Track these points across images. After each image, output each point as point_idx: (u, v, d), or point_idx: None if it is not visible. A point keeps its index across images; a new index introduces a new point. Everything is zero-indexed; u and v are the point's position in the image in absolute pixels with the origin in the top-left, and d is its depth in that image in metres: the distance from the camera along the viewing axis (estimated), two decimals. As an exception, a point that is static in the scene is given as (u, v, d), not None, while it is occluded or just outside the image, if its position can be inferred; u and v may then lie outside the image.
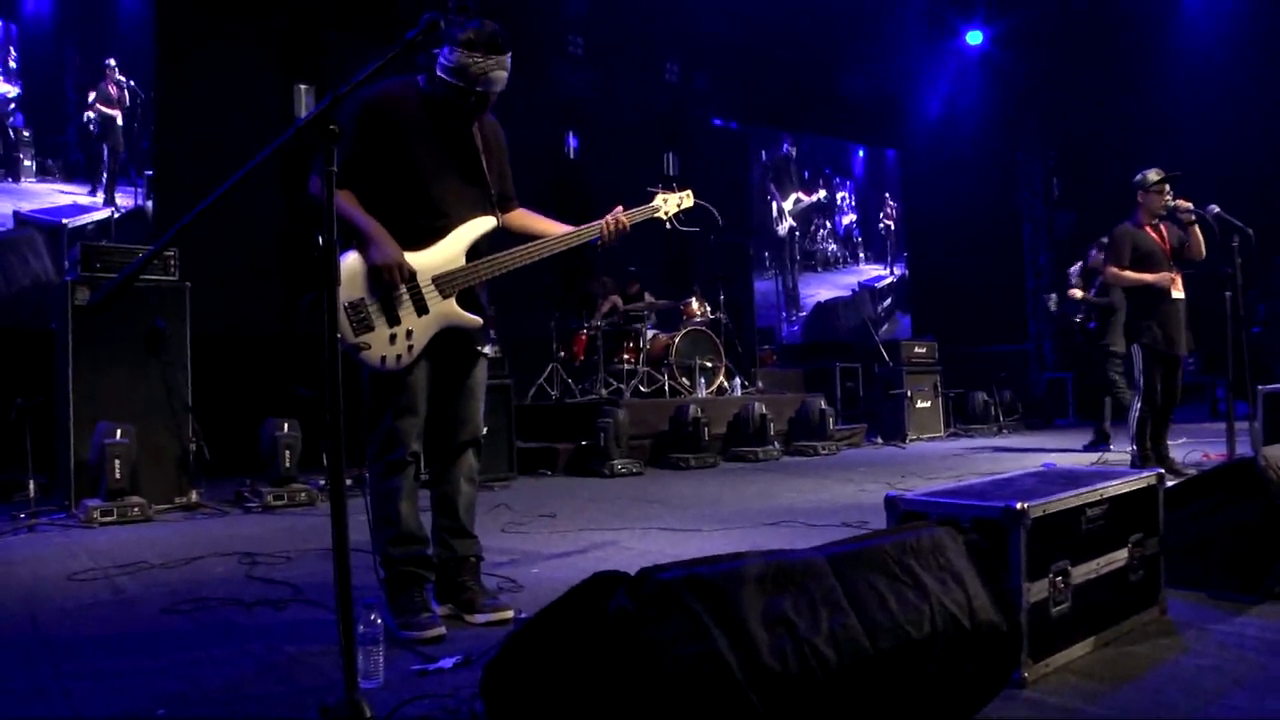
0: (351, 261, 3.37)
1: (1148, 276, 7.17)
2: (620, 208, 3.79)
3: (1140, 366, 7.22)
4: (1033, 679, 2.71)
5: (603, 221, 3.73)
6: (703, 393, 10.76)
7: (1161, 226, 7.36)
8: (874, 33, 15.88)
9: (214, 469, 7.48)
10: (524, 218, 3.83)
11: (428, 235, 3.51)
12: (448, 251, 3.52)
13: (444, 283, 3.50)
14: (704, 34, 14.56)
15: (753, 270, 16.08)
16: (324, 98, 2.46)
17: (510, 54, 3.43)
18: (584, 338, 11.20)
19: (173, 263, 7.20)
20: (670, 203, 4.07)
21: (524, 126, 11.95)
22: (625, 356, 10.93)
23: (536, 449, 9.34)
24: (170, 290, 7.16)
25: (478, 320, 3.60)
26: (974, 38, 17.26)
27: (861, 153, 18.23)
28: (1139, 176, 7.38)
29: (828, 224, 17.45)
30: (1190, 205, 7.15)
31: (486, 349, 3.74)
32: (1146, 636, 3.17)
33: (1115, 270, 7.27)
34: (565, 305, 11.79)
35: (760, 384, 12.14)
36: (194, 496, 7.07)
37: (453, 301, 3.52)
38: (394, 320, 3.43)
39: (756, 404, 10.27)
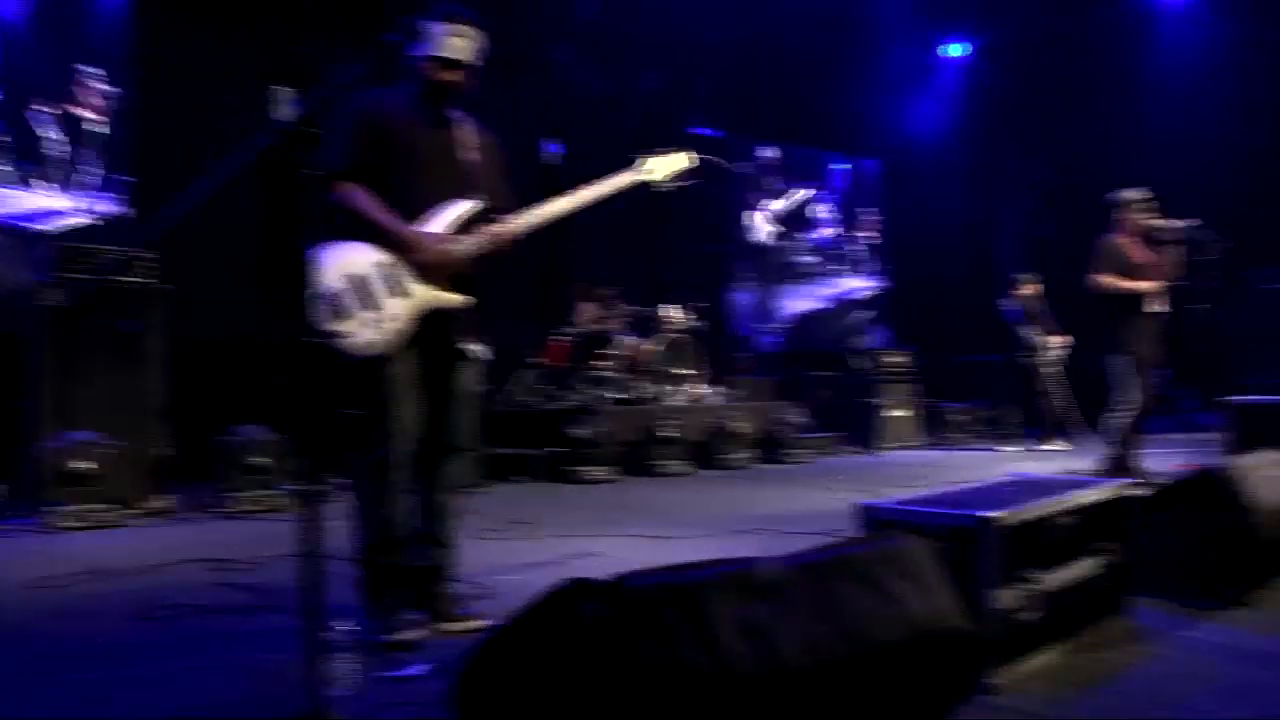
0: (330, 254, 3.36)
1: (1140, 285, 7.16)
2: (499, 224, 3.59)
3: (1122, 376, 7.24)
4: (1002, 685, 2.73)
5: (490, 230, 3.58)
6: (679, 400, 10.76)
7: (1139, 243, 7.39)
8: (856, 44, 15.91)
9: (188, 474, 7.42)
10: None
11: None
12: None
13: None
14: (687, 42, 14.56)
15: (731, 279, 16.08)
16: (304, 101, 2.47)
17: (477, 30, 3.46)
18: (560, 344, 11.18)
19: (151, 266, 7.15)
20: (660, 169, 3.91)
21: (505, 131, 11.90)
22: (601, 363, 10.93)
23: (511, 455, 9.32)
24: (148, 293, 7.10)
25: (460, 298, 3.56)
26: (956, 51, 17.37)
27: (841, 165, 18.24)
28: (1119, 195, 7.40)
29: (807, 236, 17.46)
30: (1171, 225, 7.16)
31: (477, 348, 3.68)
32: (1114, 643, 3.21)
33: (1107, 278, 7.21)
34: (541, 312, 11.77)
35: (737, 392, 12.16)
36: (166, 502, 7.01)
37: (433, 283, 3.51)
38: (373, 306, 3.41)
39: (733, 412, 10.29)
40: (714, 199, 15.78)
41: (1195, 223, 7.05)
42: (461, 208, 3.59)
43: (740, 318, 16.00)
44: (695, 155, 3.96)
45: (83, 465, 6.37)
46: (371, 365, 3.44)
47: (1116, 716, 2.56)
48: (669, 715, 1.77)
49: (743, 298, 16.23)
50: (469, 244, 3.53)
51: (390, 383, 3.47)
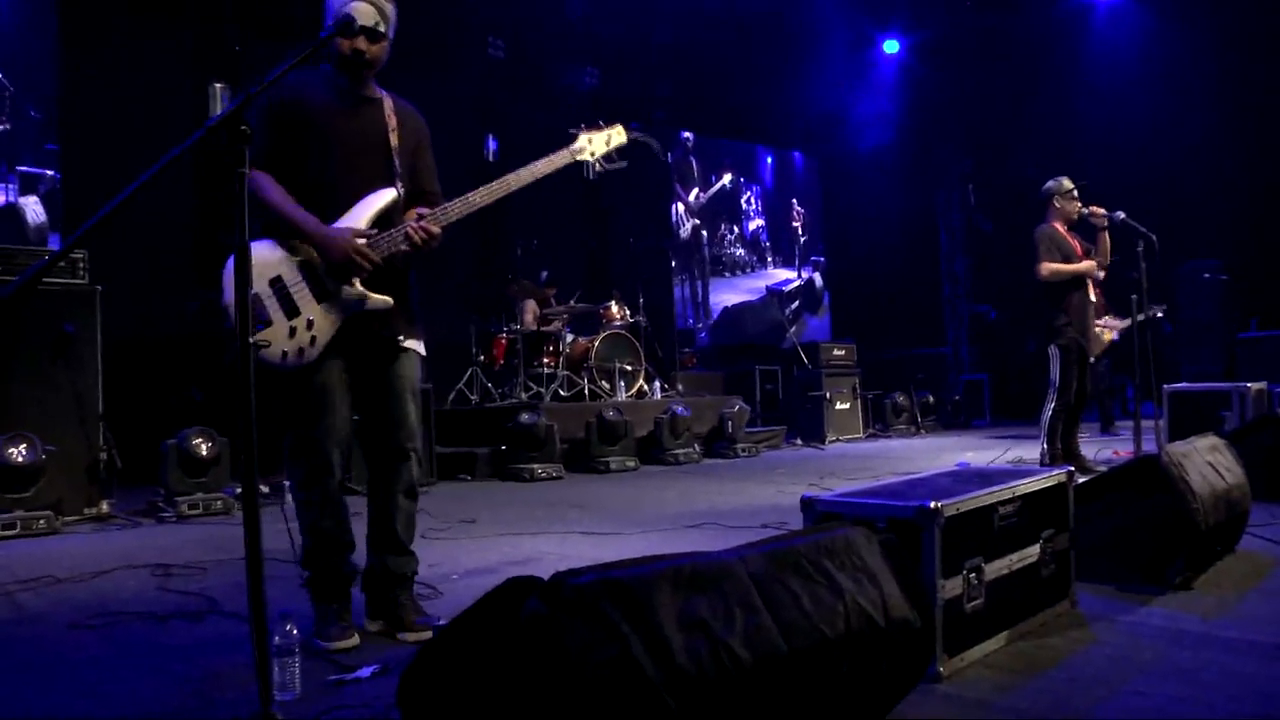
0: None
1: (1081, 266, 7.27)
2: (416, 214, 3.43)
3: (1057, 367, 7.34)
4: (948, 674, 2.75)
5: (407, 228, 3.36)
6: (622, 396, 10.76)
7: (1071, 232, 7.51)
8: (791, 40, 16.00)
9: (127, 478, 7.27)
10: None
11: (328, 218, 3.34)
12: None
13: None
14: (623, 39, 14.58)
15: (670, 274, 16.12)
16: (238, 96, 2.43)
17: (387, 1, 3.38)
18: (503, 342, 11.16)
19: (81, 265, 6.99)
20: (596, 143, 3.74)
21: (444, 129, 11.84)
22: (545, 360, 10.91)
23: (456, 454, 9.27)
24: (79, 293, 6.92)
25: (387, 300, 3.37)
26: (891, 47, 17.48)
27: (770, 158, 18.30)
28: (1052, 184, 7.52)
29: (735, 229, 17.50)
30: (1103, 211, 7.31)
31: (412, 343, 3.52)
32: (1058, 629, 3.24)
33: (1052, 265, 7.25)
34: (484, 309, 11.73)
35: (680, 387, 12.18)
36: (105, 507, 6.85)
37: (356, 283, 3.33)
38: (293, 311, 3.26)
39: (676, 407, 10.30)
40: (655, 194, 15.82)
41: (1121, 215, 7.20)
42: (381, 199, 3.42)
43: (679, 312, 16.06)
44: (624, 131, 3.83)
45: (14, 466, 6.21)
46: (296, 374, 3.30)
47: (1061, 701, 2.59)
48: (611, 713, 1.76)
49: (680, 292, 16.29)
50: (388, 241, 3.34)
51: (317, 391, 3.34)
